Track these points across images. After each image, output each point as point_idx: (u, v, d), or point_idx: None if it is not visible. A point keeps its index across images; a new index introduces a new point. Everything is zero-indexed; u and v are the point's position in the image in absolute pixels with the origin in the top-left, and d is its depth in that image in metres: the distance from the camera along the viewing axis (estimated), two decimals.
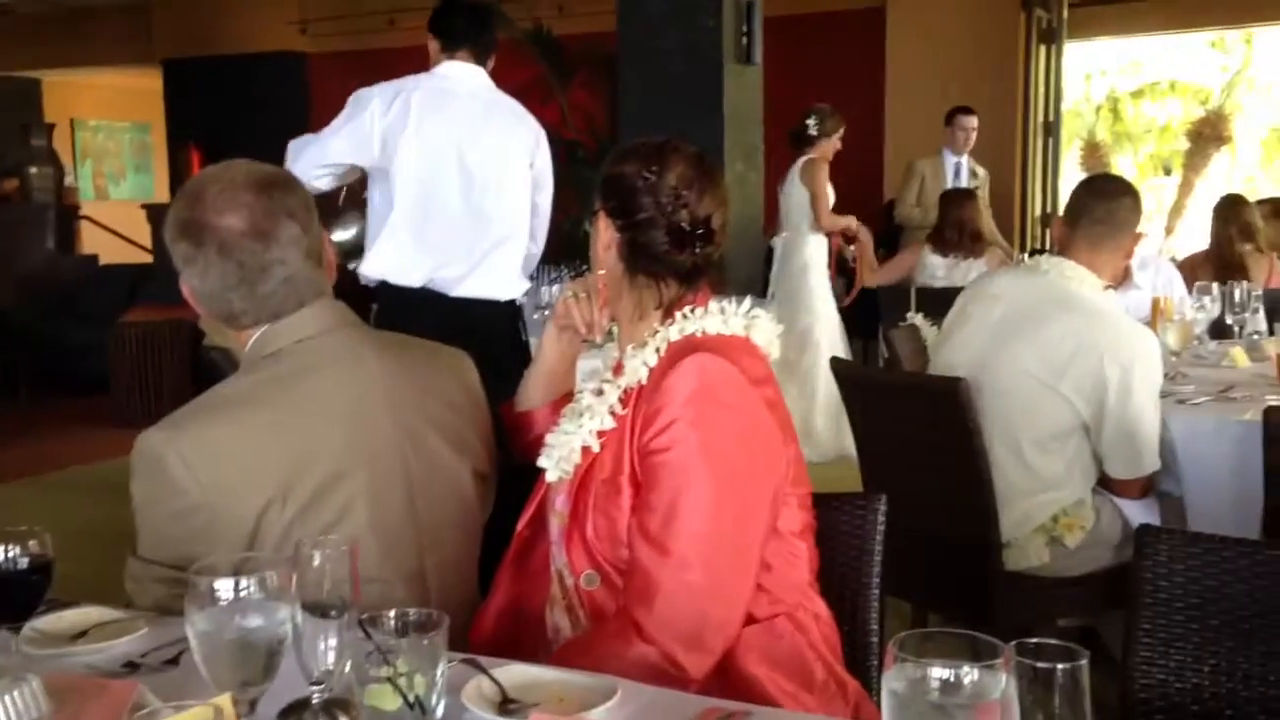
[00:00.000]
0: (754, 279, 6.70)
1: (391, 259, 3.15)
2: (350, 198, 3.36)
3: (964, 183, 6.66)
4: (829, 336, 6.06)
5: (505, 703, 1.17)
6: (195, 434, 1.43)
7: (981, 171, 6.83)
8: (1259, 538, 2.33)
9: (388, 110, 3.11)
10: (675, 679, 1.37)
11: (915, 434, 2.76)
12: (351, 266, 3.22)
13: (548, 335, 1.73)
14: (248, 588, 1.04)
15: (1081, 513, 2.62)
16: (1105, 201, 2.67)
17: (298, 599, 1.06)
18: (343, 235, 3.64)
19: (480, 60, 3.30)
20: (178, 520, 1.42)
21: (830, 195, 6.34)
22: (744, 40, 6.37)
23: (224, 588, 1.04)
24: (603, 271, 1.61)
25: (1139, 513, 2.63)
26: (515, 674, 1.22)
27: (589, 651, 1.41)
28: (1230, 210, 4.66)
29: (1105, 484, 2.66)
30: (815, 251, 6.29)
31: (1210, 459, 2.62)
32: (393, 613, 1.10)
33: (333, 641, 1.06)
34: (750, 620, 1.48)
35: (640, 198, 1.57)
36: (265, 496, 1.42)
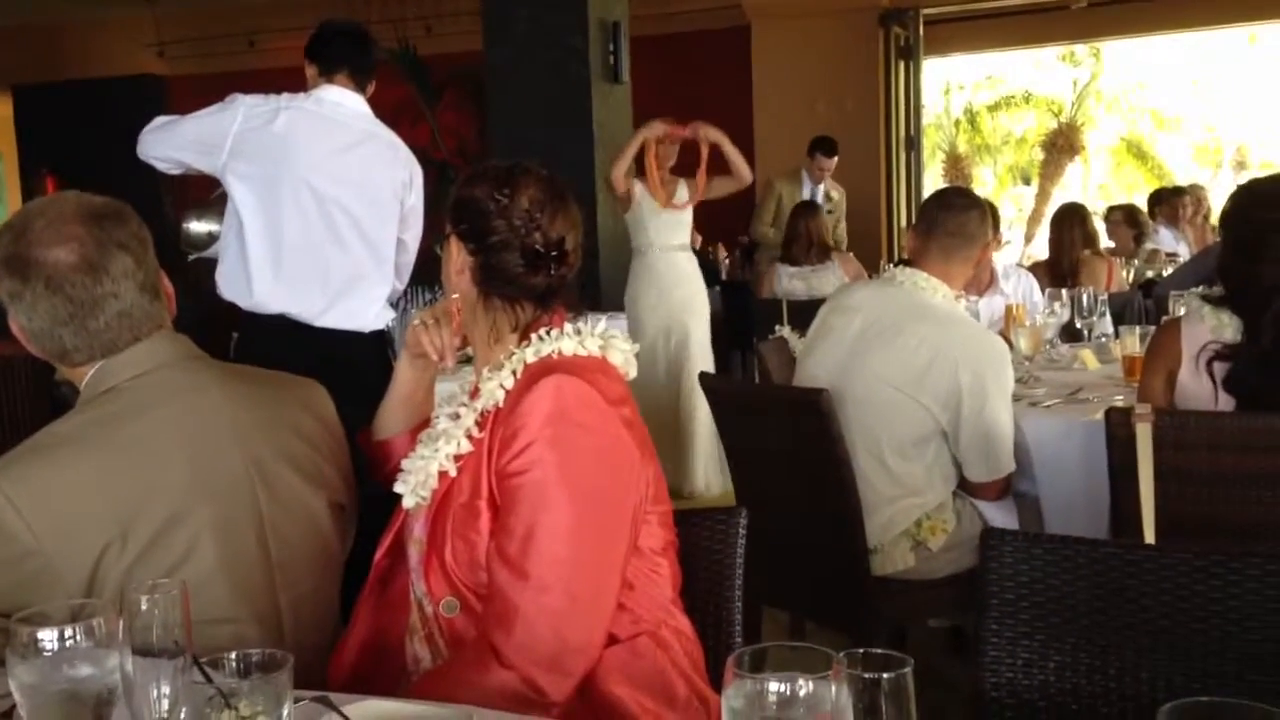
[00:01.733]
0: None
1: (241, 285, 3.02)
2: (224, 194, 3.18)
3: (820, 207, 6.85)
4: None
5: None
6: (23, 476, 1.37)
7: (836, 194, 7.03)
8: (1108, 534, 2.43)
9: (250, 119, 2.99)
10: (536, 704, 1.36)
11: (782, 445, 2.80)
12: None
13: (401, 363, 1.71)
14: (73, 636, 1.00)
15: (943, 516, 2.69)
16: (956, 215, 2.76)
17: (128, 645, 1.02)
18: (202, 227, 3.47)
19: (360, 86, 3.18)
20: (8, 568, 1.36)
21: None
22: (611, 60, 6.43)
23: (48, 637, 1.00)
24: (456, 296, 1.60)
25: (998, 514, 2.72)
26: (368, 709, 1.19)
27: (448, 681, 1.39)
28: (1067, 218, 4.87)
29: (965, 487, 2.74)
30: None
31: (1062, 459, 2.72)
32: (234, 653, 1.06)
33: (166, 688, 1.02)
34: (612, 640, 1.48)
35: (492, 220, 1.56)
36: (102, 539, 1.37)
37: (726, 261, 8.85)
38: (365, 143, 3.15)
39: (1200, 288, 3.76)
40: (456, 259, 1.58)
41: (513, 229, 1.55)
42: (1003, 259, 4.70)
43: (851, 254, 6.35)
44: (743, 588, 1.73)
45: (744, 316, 6.95)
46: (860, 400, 2.68)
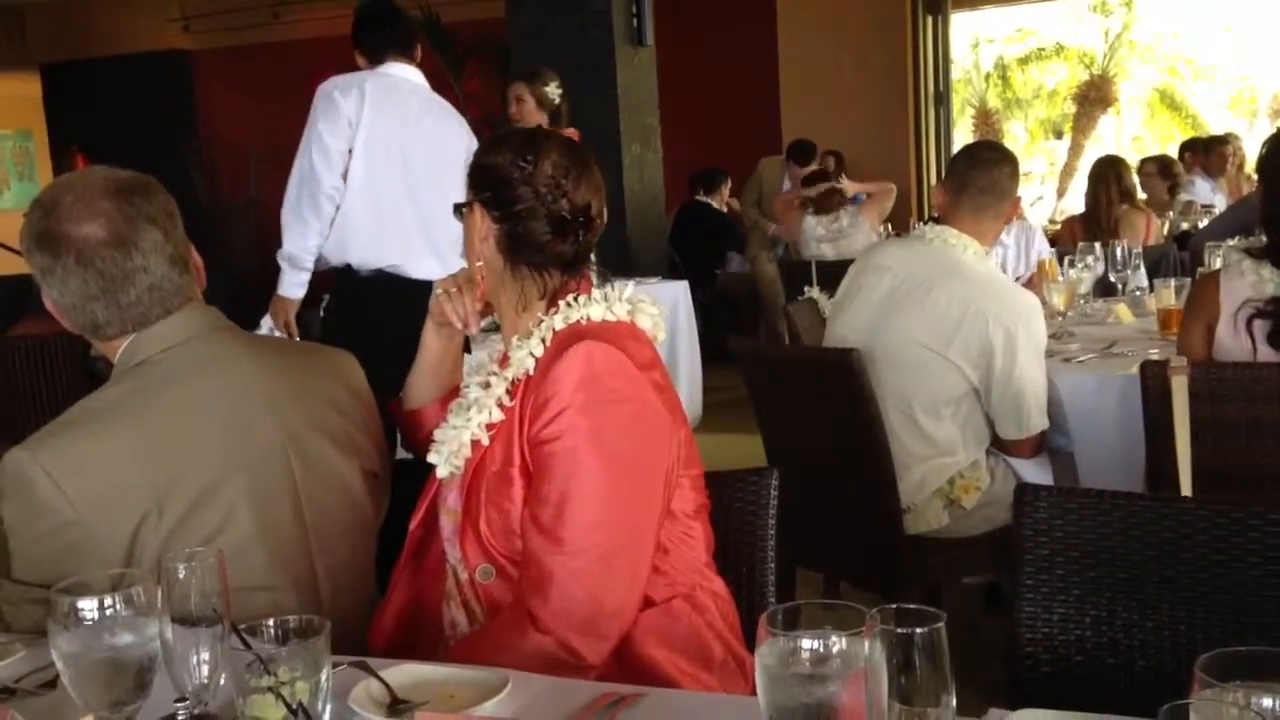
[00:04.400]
0: (657, 260, 6.73)
1: (343, 244, 3.33)
2: None
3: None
4: None
5: (395, 704, 1.16)
6: (60, 449, 1.39)
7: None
8: (1143, 489, 2.41)
9: (346, 95, 3.29)
10: (573, 667, 1.37)
11: (812, 407, 2.80)
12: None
13: (427, 331, 1.71)
14: (113, 605, 1.02)
15: (976, 475, 2.68)
16: (987, 171, 2.73)
17: (167, 614, 1.03)
18: None
19: (412, 59, 3.51)
20: (49, 539, 1.38)
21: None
22: (634, 22, 6.37)
23: (88, 606, 1.02)
24: (480, 264, 1.60)
25: (1031, 471, 2.70)
26: (405, 674, 1.21)
27: (485, 645, 1.41)
28: (1105, 172, 4.79)
29: (998, 445, 2.72)
30: None
31: (1097, 414, 2.70)
32: (272, 620, 1.08)
33: (205, 655, 1.04)
34: (648, 603, 1.48)
35: (518, 188, 1.55)
36: (140, 510, 1.39)
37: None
38: (433, 109, 3.50)
39: (1237, 239, 3.71)
40: (480, 226, 1.58)
41: (538, 196, 1.55)
42: (1029, 216, 4.66)
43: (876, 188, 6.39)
44: (776, 548, 1.73)
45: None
46: (891, 360, 2.66)
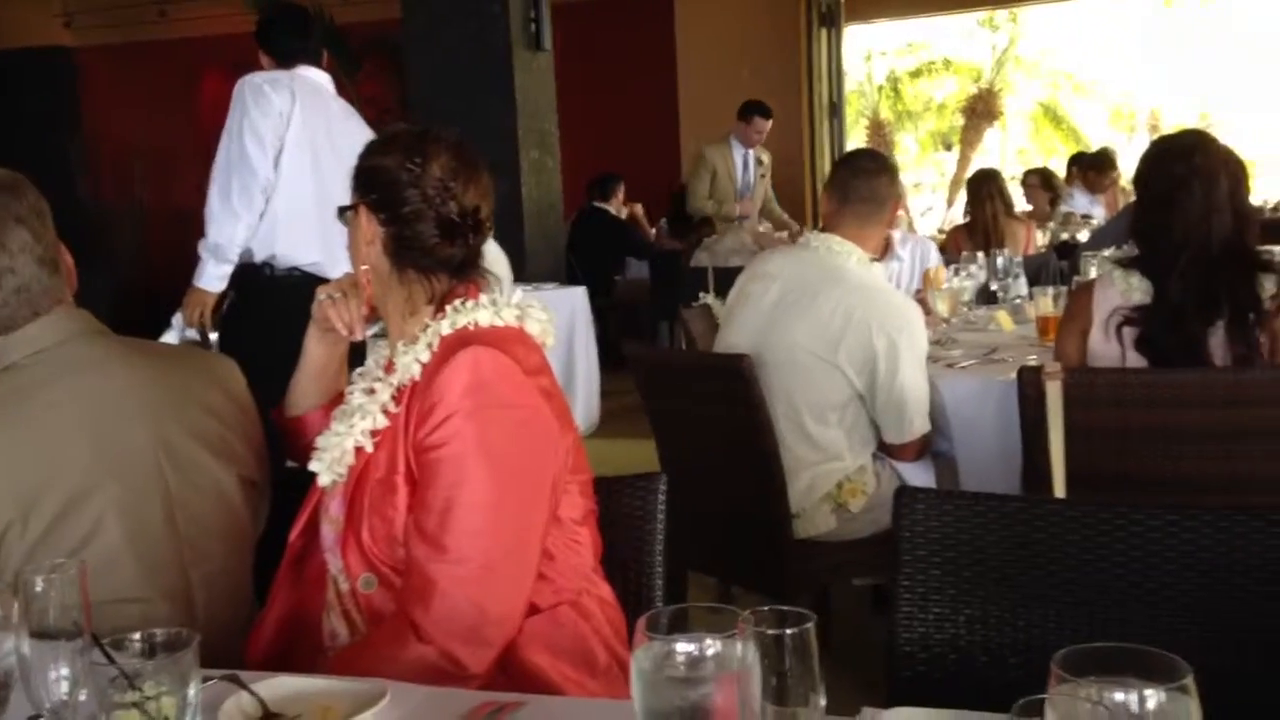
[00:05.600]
0: (556, 266, 6.72)
1: (279, 237, 3.35)
2: None
3: (752, 171, 6.83)
4: None
5: (267, 717, 1.13)
6: None
7: (766, 158, 7.00)
8: (1020, 491, 2.48)
9: (278, 90, 3.32)
10: (456, 676, 1.36)
11: (704, 412, 2.83)
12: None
13: (310, 337, 1.68)
14: None
15: (863, 478, 2.73)
16: (868, 180, 2.79)
17: (24, 628, 0.99)
18: None
19: (319, 64, 3.56)
20: None
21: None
22: (532, 27, 6.36)
23: None
24: (365, 267, 1.57)
25: (915, 474, 2.77)
26: (279, 687, 1.18)
27: (365, 656, 1.39)
28: (986, 184, 4.95)
29: (883, 449, 2.78)
30: None
31: (978, 419, 2.77)
32: (138, 633, 1.05)
33: (64, 670, 1.00)
34: (533, 610, 1.48)
35: (405, 190, 1.54)
36: (3, 520, 1.34)
37: (654, 231, 8.87)
38: (349, 113, 3.59)
39: (1111, 250, 3.86)
40: (366, 229, 1.55)
41: (426, 198, 1.53)
42: (918, 227, 4.79)
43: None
44: (666, 554, 1.74)
45: (672, 285, 6.98)
46: (780, 366, 2.70)
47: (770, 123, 6.84)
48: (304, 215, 3.32)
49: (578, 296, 5.88)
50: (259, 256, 3.36)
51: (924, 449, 2.81)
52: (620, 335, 7.19)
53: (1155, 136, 5.41)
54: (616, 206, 8.28)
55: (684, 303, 5.06)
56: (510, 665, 1.43)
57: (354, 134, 3.42)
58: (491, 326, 1.52)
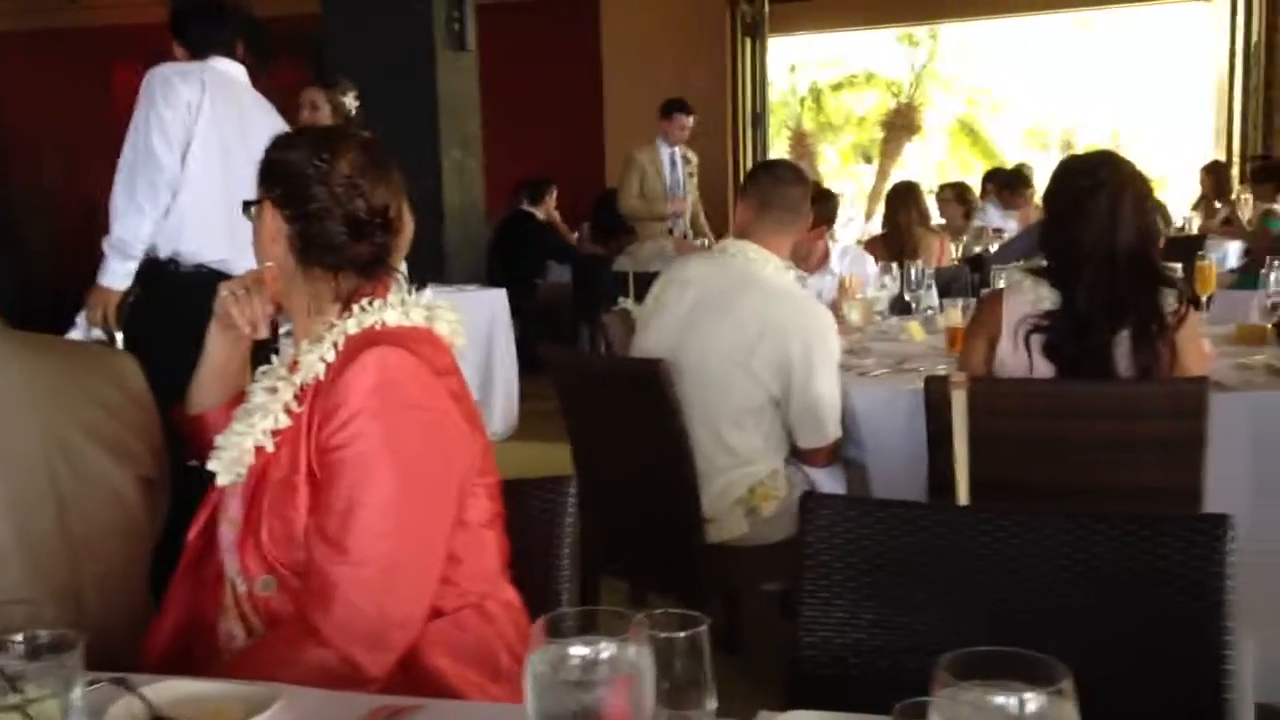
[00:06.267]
0: (477, 268, 6.68)
1: (184, 233, 3.26)
2: None
3: (680, 169, 6.84)
4: None
5: None
6: None
7: (693, 157, 7.01)
8: (926, 498, 2.53)
9: (187, 82, 3.24)
10: (355, 680, 1.34)
11: (620, 417, 2.83)
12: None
13: (212, 334, 1.64)
14: None
15: (775, 483, 2.76)
16: (788, 190, 2.83)
17: None
18: None
19: (234, 56, 3.48)
20: None
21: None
22: (456, 26, 6.32)
23: None
24: (270, 264, 1.55)
25: (827, 480, 2.81)
26: (170, 690, 1.16)
27: (262, 660, 1.36)
28: (902, 196, 5.04)
29: (796, 454, 2.81)
30: None
31: (888, 426, 2.81)
32: (21, 635, 1.02)
33: None
34: (436, 614, 1.46)
35: (312, 186, 1.51)
36: None
37: (576, 235, 8.86)
38: (262, 107, 3.51)
39: (1022, 261, 3.94)
40: (271, 226, 1.53)
41: (334, 196, 1.51)
42: (841, 238, 4.85)
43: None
44: (574, 557, 1.73)
45: (593, 289, 6.98)
46: (696, 372, 2.72)
47: (691, 119, 6.85)
48: (211, 211, 3.24)
49: (498, 299, 5.85)
50: (164, 253, 3.28)
51: (836, 455, 2.84)
52: (541, 339, 7.16)
53: (1068, 153, 5.57)
54: (546, 211, 8.26)
55: (605, 307, 5.08)
56: (411, 669, 1.42)
57: (267, 128, 3.35)
58: (399, 327, 1.51)
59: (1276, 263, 3.15)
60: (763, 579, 3.01)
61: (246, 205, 1.56)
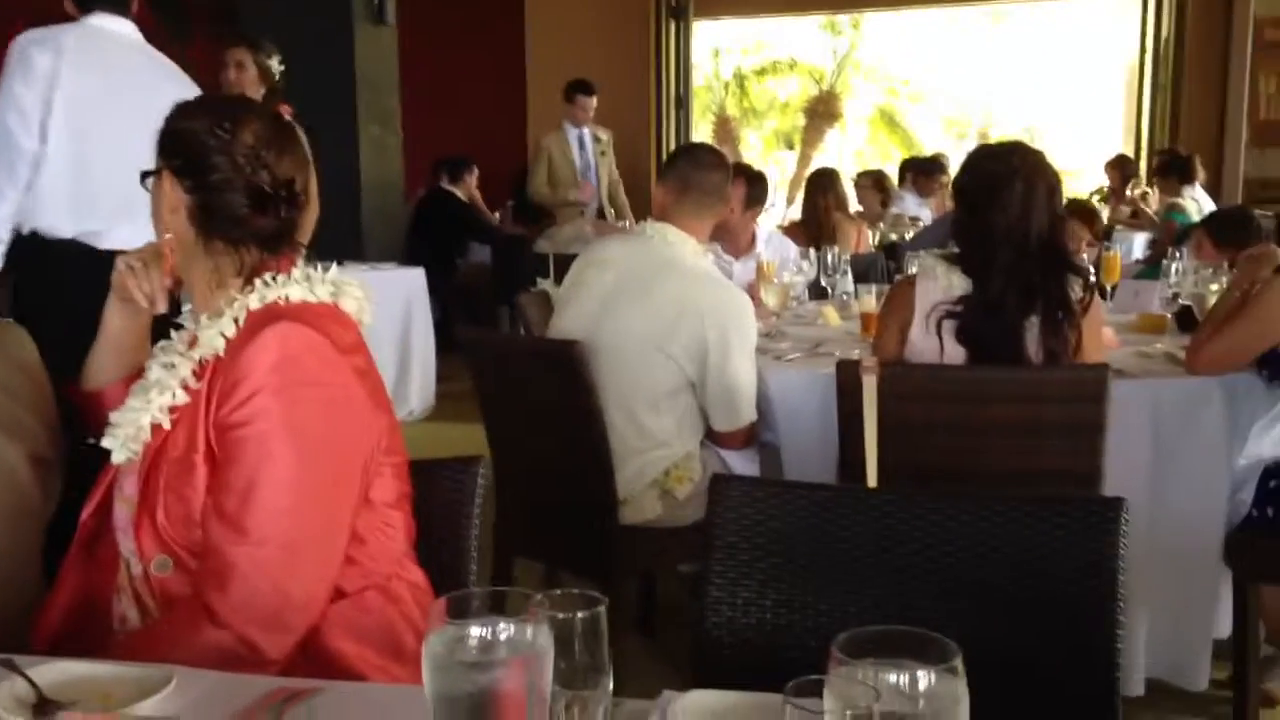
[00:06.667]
0: (393, 246, 6.60)
1: (44, 207, 3.12)
2: None
3: (590, 150, 6.80)
4: None
5: (42, 704, 1.07)
6: None
7: (605, 135, 6.95)
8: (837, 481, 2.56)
9: (43, 51, 3.07)
10: (253, 662, 1.32)
11: (536, 397, 2.81)
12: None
13: (109, 308, 1.59)
14: None
15: (690, 465, 2.77)
16: (709, 173, 2.83)
17: None
18: None
19: (124, 11, 3.27)
20: None
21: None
22: (376, 0, 6.22)
23: None
24: (169, 236, 1.50)
25: (741, 463, 2.82)
26: (58, 672, 1.12)
27: (156, 641, 1.33)
28: (820, 182, 5.09)
29: (711, 437, 2.82)
30: None
31: (802, 410, 2.84)
32: None
33: None
34: (339, 594, 1.44)
35: (213, 156, 1.48)
36: None
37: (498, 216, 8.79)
38: (149, 67, 3.28)
39: (938, 249, 4.00)
40: (170, 196, 1.49)
41: (235, 166, 1.47)
42: (765, 223, 4.86)
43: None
44: (483, 538, 1.72)
45: (514, 270, 6.93)
46: (612, 354, 2.71)
47: (594, 99, 6.80)
48: (75, 182, 3.10)
49: (415, 277, 5.79)
50: (26, 229, 3.15)
51: (751, 438, 2.86)
52: (461, 319, 7.10)
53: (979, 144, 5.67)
54: (466, 191, 8.16)
55: (524, 288, 5.05)
56: (312, 651, 1.39)
57: (147, 90, 3.12)
58: (304, 302, 1.48)
59: (1178, 254, 3.24)
60: (677, 561, 3.02)
61: (144, 175, 1.51)
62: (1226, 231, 3.80)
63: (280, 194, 1.51)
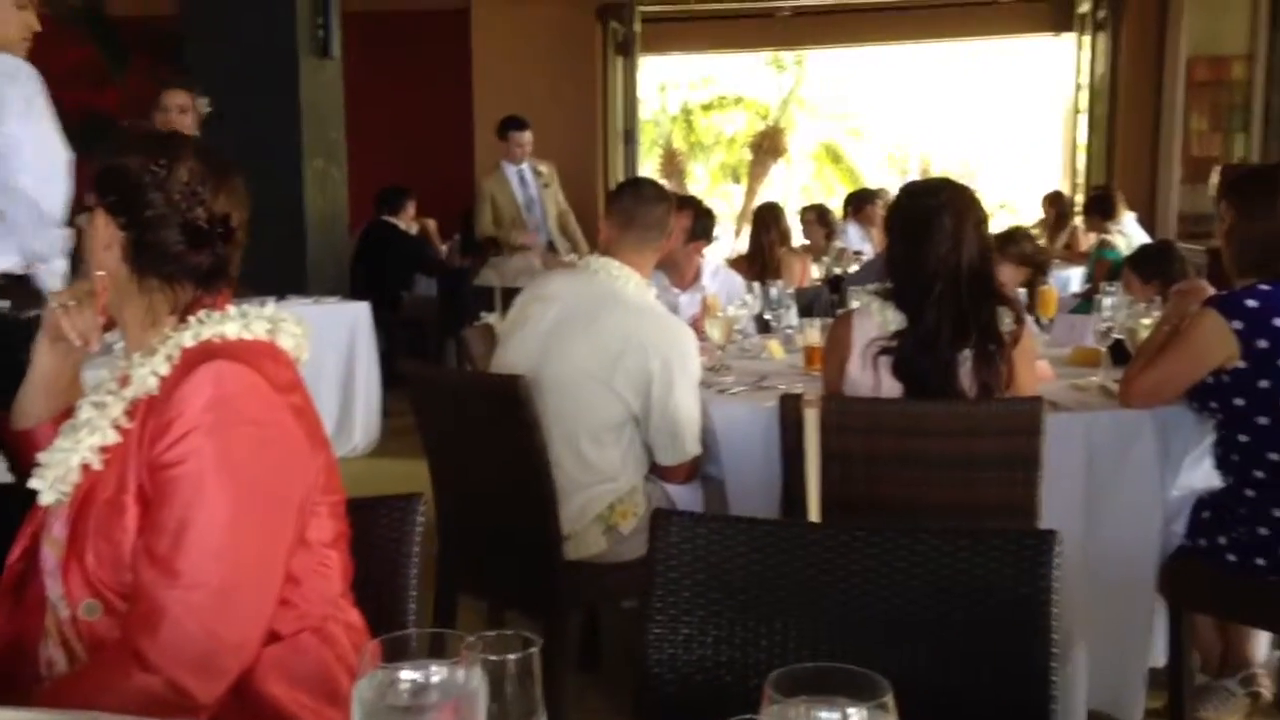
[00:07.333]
0: (339, 280, 6.55)
1: None
2: None
3: (532, 185, 6.79)
4: None
5: None
6: None
7: (545, 168, 6.92)
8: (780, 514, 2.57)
9: None
10: (184, 708, 1.29)
11: (479, 432, 2.80)
12: None
13: (40, 347, 1.57)
14: None
15: (635, 500, 2.77)
16: (651, 208, 2.85)
17: None
18: None
19: None
20: None
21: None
22: (320, 33, 6.20)
23: None
24: (102, 273, 1.48)
25: (685, 497, 2.83)
26: None
27: (83, 687, 1.30)
28: (765, 217, 5.15)
29: (656, 471, 2.82)
30: None
31: (746, 444, 2.85)
32: None
33: None
34: (273, 637, 1.42)
35: (148, 193, 1.46)
36: None
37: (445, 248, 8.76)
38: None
39: (874, 285, 4.06)
40: (104, 234, 1.47)
41: (171, 203, 1.46)
42: (712, 257, 4.90)
43: None
44: (424, 576, 1.70)
45: (461, 303, 6.90)
46: (558, 388, 2.71)
47: (528, 134, 6.74)
48: None
49: (360, 311, 5.74)
50: None
51: (695, 472, 2.87)
52: (407, 353, 7.05)
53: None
54: (406, 221, 8.12)
55: (471, 322, 5.03)
56: (244, 695, 1.37)
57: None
58: (239, 340, 1.46)
59: (1110, 289, 3.30)
60: (622, 596, 3.01)
61: (76, 212, 1.49)
62: (1148, 266, 3.91)
63: (216, 230, 1.50)
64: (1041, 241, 8.12)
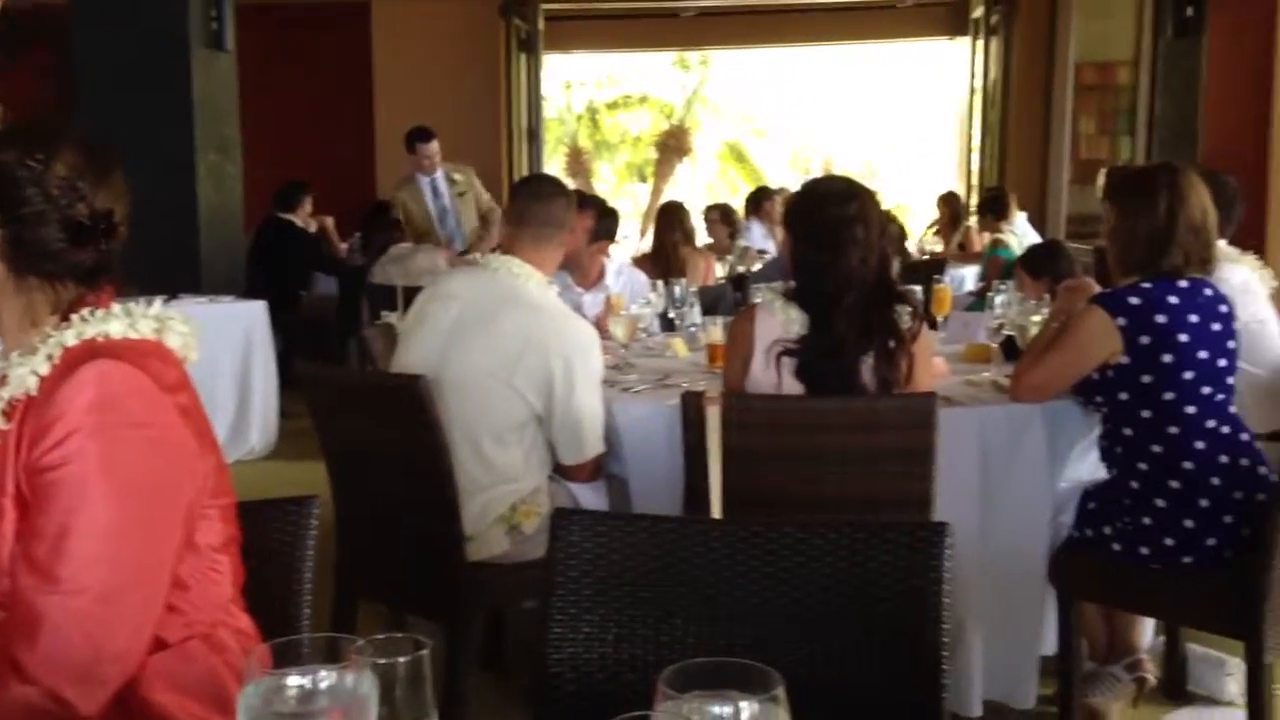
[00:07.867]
0: (234, 278, 6.40)
1: None
2: None
3: (446, 195, 6.70)
4: None
5: None
6: None
7: (460, 175, 6.83)
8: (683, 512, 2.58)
9: None
10: (64, 719, 1.24)
11: (379, 434, 2.76)
12: None
13: None
14: None
15: (538, 500, 2.75)
16: (545, 203, 2.83)
17: None
18: None
19: None
20: None
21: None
22: (214, 26, 6.06)
23: None
24: None
25: (589, 496, 2.82)
26: None
27: None
28: (669, 216, 5.17)
29: (559, 470, 2.81)
30: None
31: (650, 442, 2.85)
32: None
33: None
34: (159, 645, 1.38)
35: (25, 189, 1.40)
36: None
37: (345, 246, 8.61)
38: None
39: (779, 283, 4.10)
40: None
41: (50, 199, 1.41)
42: (617, 256, 4.90)
43: None
44: (323, 580, 1.67)
45: (361, 303, 6.79)
46: (459, 388, 2.68)
47: (435, 144, 6.62)
48: None
49: (256, 310, 5.62)
50: None
51: (598, 470, 2.86)
52: (305, 353, 6.91)
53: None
54: (303, 218, 7.95)
55: (372, 321, 4.95)
56: (130, 705, 1.33)
57: None
58: (124, 339, 1.42)
59: (1002, 287, 3.39)
60: (525, 596, 2.98)
61: None
62: (1036, 264, 4.03)
63: (98, 226, 1.45)
64: (936, 240, 8.33)
